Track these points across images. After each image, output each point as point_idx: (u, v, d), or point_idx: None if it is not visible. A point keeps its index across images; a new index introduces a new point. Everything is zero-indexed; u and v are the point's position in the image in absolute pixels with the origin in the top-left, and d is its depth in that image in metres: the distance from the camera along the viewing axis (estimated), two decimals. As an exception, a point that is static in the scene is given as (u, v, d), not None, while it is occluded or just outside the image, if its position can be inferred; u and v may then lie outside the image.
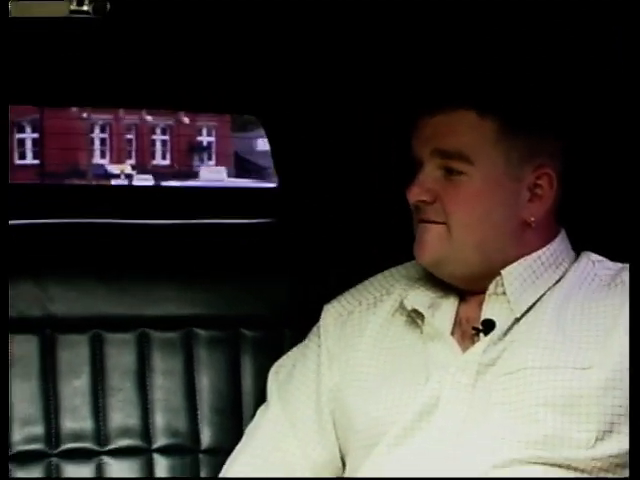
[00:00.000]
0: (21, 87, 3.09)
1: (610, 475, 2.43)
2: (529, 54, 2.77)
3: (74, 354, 2.92)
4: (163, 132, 32.21)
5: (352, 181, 3.13)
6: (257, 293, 3.01)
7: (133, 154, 31.41)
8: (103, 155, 31.03)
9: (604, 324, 2.50)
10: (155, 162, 31.62)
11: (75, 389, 2.90)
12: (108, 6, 2.60)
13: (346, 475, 2.65)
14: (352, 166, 3.13)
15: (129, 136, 31.66)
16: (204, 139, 32.70)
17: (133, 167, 29.57)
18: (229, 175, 28.14)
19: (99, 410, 2.90)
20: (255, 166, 27.38)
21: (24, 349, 2.89)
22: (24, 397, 2.87)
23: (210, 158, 32.25)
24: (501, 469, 2.43)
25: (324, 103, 3.13)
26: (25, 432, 2.87)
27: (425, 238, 2.57)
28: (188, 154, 32.19)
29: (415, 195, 2.57)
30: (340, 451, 2.69)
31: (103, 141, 31.17)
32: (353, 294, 2.75)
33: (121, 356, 2.93)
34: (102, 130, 30.90)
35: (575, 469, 2.44)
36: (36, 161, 29.20)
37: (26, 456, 2.86)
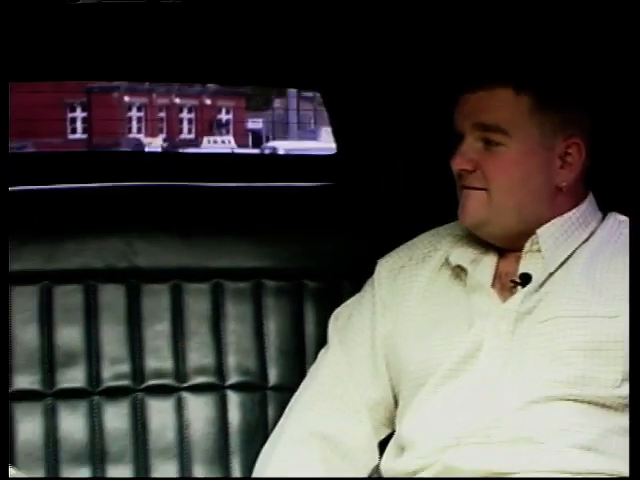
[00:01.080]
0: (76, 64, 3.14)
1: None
2: (560, 36, 2.72)
3: (156, 302, 2.93)
4: (189, 111, 34.70)
5: (403, 150, 3.10)
6: (319, 249, 2.99)
7: (164, 129, 33.66)
8: (139, 130, 33.26)
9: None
10: (182, 136, 33.90)
11: (157, 332, 2.91)
12: None
13: (398, 411, 2.65)
14: (403, 137, 3.10)
15: (161, 114, 34.03)
16: (223, 117, 34.44)
17: (164, 140, 31.42)
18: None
19: (178, 351, 2.90)
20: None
21: (112, 297, 2.91)
22: (112, 339, 2.88)
23: (228, 132, 33.79)
24: (536, 405, 2.44)
25: (378, 81, 3.09)
26: (113, 370, 2.88)
27: (468, 203, 2.58)
28: (209, 129, 34.00)
29: (458, 164, 2.57)
30: (392, 390, 2.68)
31: (139, 119, 33.76)
32: (404, 250, 2.75)
33: (197, 303, 2.94)
34: (138, 110, 33.52)
35: (602, 405, 2.44)
36: (85, 135, 31.22)
37: (114, 391, 2.87)
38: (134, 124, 33.59)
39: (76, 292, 2.91)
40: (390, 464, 2.61)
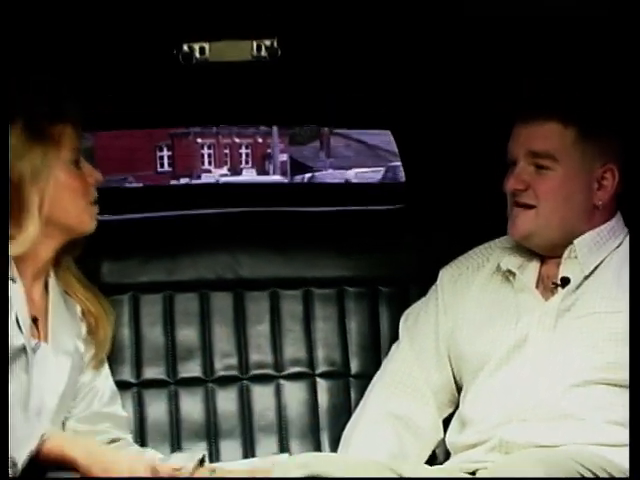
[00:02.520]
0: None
1: None
2: (599, 76, 2.68)
3: (257, 306, 2.94)
4: (246, 147, 36.68)
5: (460, 179, 3.09)
6: (391, 260, 2.98)
7: (228, 162, 36.02)
8: (210, 163, 36.06)
9: None
10: (242, 166, 35.85)
11: (258, 331, 2.93)
12: (279, 52, 2.59)
13: (461, 393, 2.65)
14: (460, 168, 3.09)
15: (225, 151, 36.72)
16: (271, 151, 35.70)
17: (228, 169, 33.77)
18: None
19: (276, 346, 2.92)
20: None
21: (222, 303, 2.93)
22: (222, 337, 2.91)
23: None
24: (576, 387, 2.44)
25: (441, 121, 3.09)
26: (224, 362, 2.90)
27: (518, 220, 2.57)
28: (262, 160, 35.70)
29: (513, 185, 2.55)
30: (453, 377, 2.67)
31: (209, 155, 36.64)
32: (462, 261, 2.75)
33: (291, 307, 2.95)
34: (208, 148, 36.38)
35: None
36: (170, 168, 34.31)
37: (225, 379, 2.89)
38: (206, 159, 36.12)
39: (192, 299, 2.93)
40: (453, 438, 2.60)
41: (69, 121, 2.50)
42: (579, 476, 2.04)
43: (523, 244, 2.61)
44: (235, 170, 33.61)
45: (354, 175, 19.79)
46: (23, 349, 2.42)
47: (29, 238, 2.43)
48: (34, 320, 2.48)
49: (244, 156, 36.93)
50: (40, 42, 2.53)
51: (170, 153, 35.50)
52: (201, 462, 2.54)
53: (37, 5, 2.37)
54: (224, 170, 33.24)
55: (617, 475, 2.15)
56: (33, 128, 2.46)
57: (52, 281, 2.57)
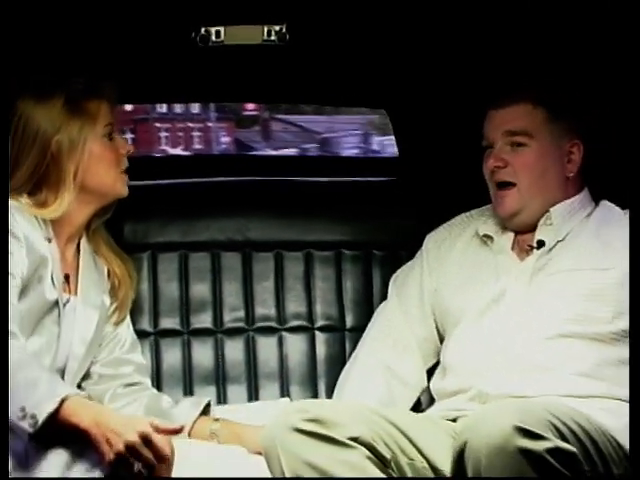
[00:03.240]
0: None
1: (621, 341, 2.41)
2: (566, 64, 2.71)
3: (263, 266, 2.96)
4: (198, 131, 35.66)
5: (447, 155, 3.10)
6: (383, 227, 2.99)
7: (182, 143, 35.47)
8: (166, 144, 34.67)
9: (620, 240, 2.46)
10: (193, 146, 35.27)
11: (264, 288, 2.94)
12: (287, 36, 2.62)
13: (444, 343, 2.65)
14: (447, 146, 3.10)
15: (180, 134, 36.14)
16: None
17: (182, 149, 32.86)
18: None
19: (279, 302, 2.94)
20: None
21: (231, 262, 2.95)
22: (231, 293, 2.92)
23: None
24: (548, 340, 2.44)
25: (431, 103, 3.09)
26: (232, 315, 2.92)
27: (504, 199, 2.58)
28: (209, 142, 35.26)
29: (492, 162, 2.57)
30: (437, 330, 2.68)
31: (166, 137, 35.28)
32: (445, 228, 2.76)
33: (294, 267, 2.96)
34: (166, 131, 34.80)
35: (599, 340, 2.43)
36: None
37: (233, 331, 2.91)
38: (163, 140, 35.62)
39: (205, 258, 2.94)
40: (436, 385, 2.61)
41: (104, 98, 2.51)
42: (551, 425, 2.06)
43: (508, 223, 2.61)
44: (187, 150, 33.25)
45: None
46: (56, 303, 2.45)
47: (64, 204, 2.45)
48: (66, 277, 2.51)
49: (195, 138, 36.50)
50: (78, 26, 2.56)
51: (133, 136, 34.94)
52: (206, 407, 2.60)
53: None
54: (178, 150, 32.71)
55: (585, 424, 2.17)
56: (72, 104, 2.47)
57: (84, 242, 2.59)
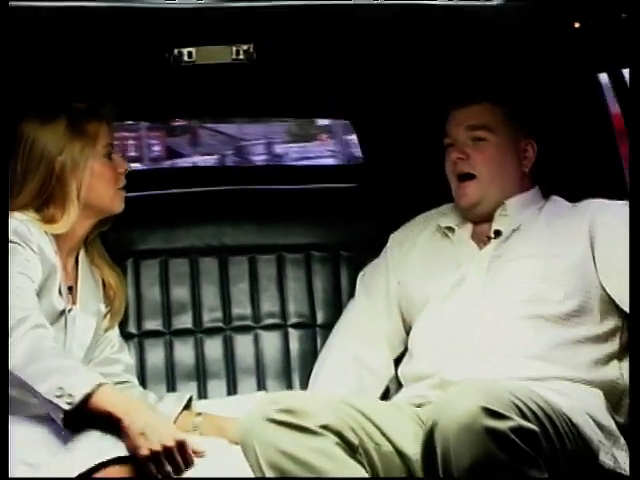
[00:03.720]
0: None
1: (571, 321, 2.44)
2: (521, 72, 2.74)
3: (239, 269, 2.95)
4: (133, 140, 35.24)
5: (408, 161, 3.11)
6: (350, 230, 3.00)
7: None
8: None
9: (572, 226, 2.51)
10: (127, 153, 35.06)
11: (240, 289, 2.94)
12: (255, 55, 2.58)
13: (410, 333, 2.64)
14: (407, 151, 3.11)
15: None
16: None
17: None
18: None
19: (254, 302, 2.94)
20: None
21: (209, 266, 2.94)
22: (209, 295, 2.92)
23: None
24: (506, 322, 2.45)
25: (393, 113, 3.11)
26: (210, 316, 2.92)
27: (465, 190, 2.60)
28: (141, 149, 34.53)
29: (455, 155, 2.60)
30: (403, 322, 2.69)
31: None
32: (407, 226, 2.79)
33: (267, 269, 2.96)
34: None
35: (551, 321, 2.44)
36: None
37: (211, 330, 2.91)
38: None
39: (184, 263, 2.94)
40: (404, 369, 2.61)
41: (103, 120, 2.55)
42: (514, 405, 2.07)
43: (468, 213, 2.64)
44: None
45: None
46: (62, 312, 2.47)
47: (70, 220, 2.49)
48: (69, 288, 2.53)
49: (130, 146, 35.77)
50: (65, 56, 2.57)
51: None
52: (188, 402, 2.61)
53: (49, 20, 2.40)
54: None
55: (542, 404, 2.18)
56: (73, 126, 2.50)
57: (82, 255, 2.62)
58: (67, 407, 2.10)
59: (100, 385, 2.14)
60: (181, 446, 2.12)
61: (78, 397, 2.11)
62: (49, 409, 2.14)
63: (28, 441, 2.21)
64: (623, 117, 2.70)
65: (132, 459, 2.12)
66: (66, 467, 2.13)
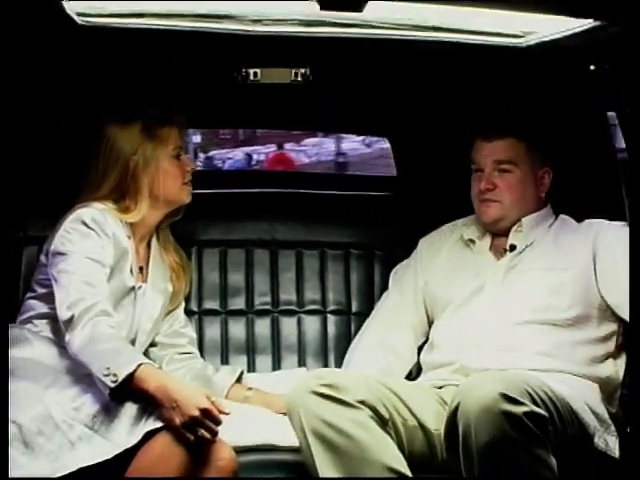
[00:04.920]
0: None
1: (574, 326, 2.43)
2: (541, 111, 2.70)
3: (287, 260, 2.95)
4: None
5: (439, 176, 3.07)
6: (385, 232, 2.99)
7: None
8: None
9: (578, 244, 2.50)
10: None
11: (287, 279, 2.94)
12: (310, 77, 2.65)
13: (432, 326, 2.64)
14: (441, 165, 3.07)
15: None
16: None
17: None
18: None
19: (299, 290, 2.94)
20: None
21: (261, 257, 2.94)
22: (260, 281, 2.92)
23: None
24: (516, 326, 2.46)
25: (427, 133, 3.08)
26: (261, 300, 2.92)
27: (488, 209, 2.59)
28: None
29: (484, 185, 2.57)
30: (427, 316, 2.68)
31: None
32: (435, 233, 2.77)
33: (311, 263, 2.94)
34: None
35: (557, 325, 2.44)
36: None
37: (261, 312, 2.90)
38: None
39: (240, 253, 2.93)
40: (426, 358, 2.62)
41: (174, 125, 2.56)
42: (527, 393, 2.09)
43: (489, 227, 2.63)
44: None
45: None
46: (132, 288, 2.49)
47: (142, 211, 2.51)
48: (140, 268, 2.56)
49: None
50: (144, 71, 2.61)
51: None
52: (240, 376, 2.64)
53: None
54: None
55: (549, 392, 2.18)
56: (147, 130, 2.52)
57: (154, 240, 2.64)
58: (112, 385, 2.14)
59: (140, 365, 2.16)
60: (206, 412, 2.11)
61: (121, 377, 2.14)
62: (99, 385, 2.18)
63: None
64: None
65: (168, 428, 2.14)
66: (112, 443, 2.15)
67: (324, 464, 2.16)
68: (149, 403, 2.15)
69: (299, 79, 2.63)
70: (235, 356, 2.86)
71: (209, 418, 2.12)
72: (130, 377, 2.14)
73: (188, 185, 2.60)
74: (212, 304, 2.90)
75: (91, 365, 2.18)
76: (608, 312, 2.45)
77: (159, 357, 2.62)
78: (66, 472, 2.10)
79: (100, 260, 2.36)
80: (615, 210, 2.62)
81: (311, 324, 2.93)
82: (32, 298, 2.46)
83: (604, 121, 2.68)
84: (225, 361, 2.84)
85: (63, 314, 2.26)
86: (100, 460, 2.12)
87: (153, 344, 2.64)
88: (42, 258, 2.45)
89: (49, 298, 2.38)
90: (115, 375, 2.14)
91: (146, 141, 2.52)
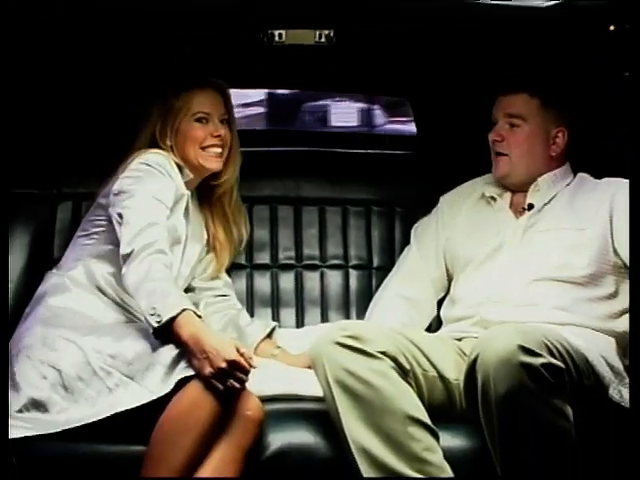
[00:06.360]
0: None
1: (591, 283, 2.42)
2: (558, 66, 2.67)
3: (310, 217, 2.93)
4: None
5: (458, 133, 3.03)
6: (405, 189, 2.96)
7: None
8: None
9: (595, 203, 2.49)
10: None
11: (310, 234, 2.91)
12: (334, 39, 2.60)
13: (453, 282, 2.63)
14: (460, 123, 3.03)
15: None
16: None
17: None
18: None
19: (322, 245, 2.92)
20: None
21: (286, 213, 2.92)
22: (285, 236, 2.90)
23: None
24: (535, 282, 2.45)
25: (446, 92, 3.04)
26: (285, 254, 2.90)
27: (499, 164, 2.59)
28: None
29: (493, 136, 2.57)
30: (447, 271, 2.67)
31: None
32: (456, 190, 2.75)
33: (334, 219, 2.93)
34: None
35: (574, 283, 2.43)
36: None
37: (285, 266, 2.89)
38: None
39: (265, 209, 2.92)
40: (446, 312, 2.61)
41: (199, 89, 2.58)
42: (544, 345, 2.08)
43: (502, 181, 2.63)
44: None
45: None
46: (180, 236, 2.50)
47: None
48: None
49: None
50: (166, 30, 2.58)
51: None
52: (272, 331, 2.63)
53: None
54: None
55: (566, 345, 2.17)
56: (173, 93, 2.56)
57: (193, 196, 2.63)
58: (155, 325, 2.14)
59: (184, 311, 2.15)
60: (234, 364, 2.11)
61: (165, 319, 2.14)
62: (146, 322, 2.17)
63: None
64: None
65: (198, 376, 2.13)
66: (148, 389, 2.15)
67: (347, 412, 2.15)
68: (182, 353, 2.15)
69: (323, 40, 2.59)
70: (260, 308, 2.85)
71: (238, 369, 2.11)
72: (172, 320, 2.13)
73: (211, 151, 2.57)
74: (238, 258, 2.87)
75: (140, 301, 2.17)
76: (623, 269, 2.43)
77: (196, 300, 2.60)
78: (102, 416, 2.11)
79: (164, 201, 2.37)
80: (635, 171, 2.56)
81: (334, 278, 2.91)
82: (82, 237, 2.46)
83: (623, 83, 2.60)
84: (251, 314, 2.81)
85: (124, 248, 2.25)
86: (135, 405, 2.11)
87: (190, 289, 2.65)
88: (101, 200, 2.45)
89: (100, 237, 2.40)
90: (159, 316, 2.13)
91: (170, 103, 2.54)
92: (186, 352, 2.14)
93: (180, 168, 2.51)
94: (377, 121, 7.34)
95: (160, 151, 2.48)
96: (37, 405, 2.14)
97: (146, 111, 2.58)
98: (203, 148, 2.55)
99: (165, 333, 2.15)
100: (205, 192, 2.69)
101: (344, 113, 7.19)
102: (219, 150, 2.58)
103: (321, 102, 6.90)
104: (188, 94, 2.56)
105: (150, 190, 2.36)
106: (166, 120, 2.53)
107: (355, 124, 7.25)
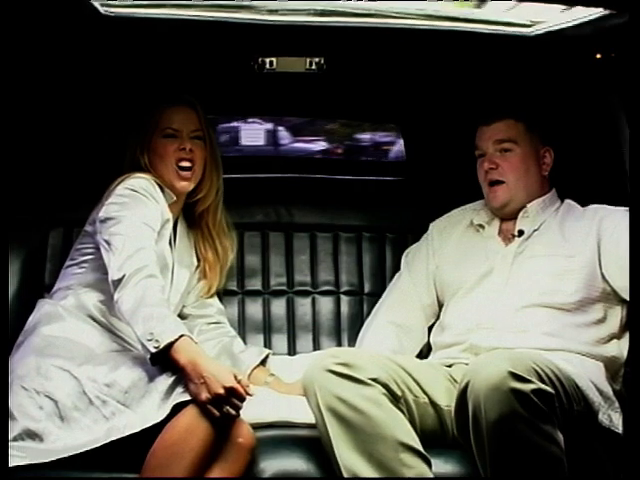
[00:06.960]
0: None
1: (579, 309, 2.41)
2: (540, 93, 2.71)
3: (301, 243, 2.92)
4: None
5: (447, 161, 3.05)
6: (395, 216, 2.95)
7: None
8: None
9: (583, 230, 2.48)
10: None
11: (301, 260, 2.91)
12: (325, 66, 2.62)
13: (443, 309, 2.62)
14: (449, 150, 3.04)
15: None
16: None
17: None
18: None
19: (313, 271, 2.91)
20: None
21: (277, 239, 2.91)
22: (276, 263, 2.88)
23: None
24: (524, 308, 2.44)
25: (436, 119, 3.06)
26: (276, 280, 2.89)
27: (496, 193, 2.57)
28: None
29: (487, 165, 2.57)
30: (437, 298, 2.67)
31: None
32: (446, 217, 2.75)
33: (325, 244, 2.92)
34: None
35: (562, 309, 2.43)
36: None
37: (277, 292, 2.88)
38: None
39: (256, 236, 2.91)
40: (436, 338, 2.60)
41: (172, 105, 2.55)
42: (534, 371, 2.06)
43: (500, 211, 2.60)
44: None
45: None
46: (167, 263, 2.49)
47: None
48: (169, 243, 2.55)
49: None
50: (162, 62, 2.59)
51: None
52: (265, 358, 2.61)
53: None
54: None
55: (555, 371, 2.16)
56: (151, 108, 2.54)
57: (181, 219, 2.62)
58: (153, 350, 2.11)
59: (182, 336, 2.12)
60: (232, 391, 2.08)
61: (163, 344, 2.11)
62: (142, 348, 2.14)
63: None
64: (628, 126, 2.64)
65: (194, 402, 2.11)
66: (144, 413, 2.12)
67: (339, 439, 2.13)
68: (178, 379, 2.13)
69: (314, 68, 2.61)
70: (252, 335, 2.83)
71: (234, 396, 2.09)
72: (170, 345, 2.10)
73: (180, 166, 2.51)
74: (229, 285, 2.86)
75: (136, 326, 2.13)
76: (612, 295, 2.43)
77: (190, 328, 2.52)
78: (98, 445, 2.09)
79: (151, 225, 2.34)
80: (619, 194, 2.57)
81: (325, 304, 2.90)
82: (71, 266, 2.43)
83: (608, 108, 2.63)
84: (242, 339, 2.78)
85: (114, 274, 2.21)
86: (130, 433, 2.09)
87: (182, 316, 2.62)
88: (87, 227, 2.43)
89: (89, 265, 2.37)
90: (157, 341, 2.10)
91: (142, 121, 2.52)
92: (182, 378, 2.12)
93: (162, 189, 2.47)
94: (282, 141, 7.39)
95: (143, 175, 2.43)
96: (32, 435, 2.12)
97: (128, 132, 2.56)
98: (176, 165, 2.50)
99: (162, 359, 2.12)
100: (190, 214, 2.66)
101: (253, 133, 7.30)
102: (188, 164, 2.51)
103: (234, 124, 7.00)
104: (158, 111, 2.53)
105: (137, 215, 2.32)
106: (140, 138, 2.52)
107: (262, 143, 7.35)
